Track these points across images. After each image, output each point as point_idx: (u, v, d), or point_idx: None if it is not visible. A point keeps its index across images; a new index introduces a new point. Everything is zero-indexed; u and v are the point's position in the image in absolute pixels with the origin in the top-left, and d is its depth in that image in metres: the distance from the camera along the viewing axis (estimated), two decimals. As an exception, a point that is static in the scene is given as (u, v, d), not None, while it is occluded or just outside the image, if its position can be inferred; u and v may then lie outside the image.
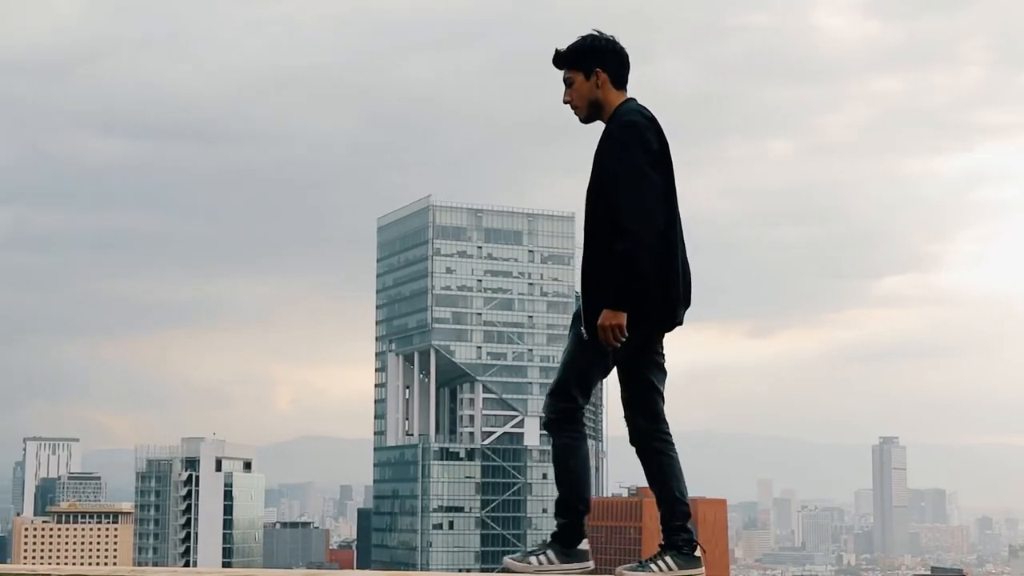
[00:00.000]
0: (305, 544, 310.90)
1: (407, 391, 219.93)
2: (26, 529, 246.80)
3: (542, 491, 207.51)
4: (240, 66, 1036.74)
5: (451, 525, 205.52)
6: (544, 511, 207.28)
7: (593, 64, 6.68)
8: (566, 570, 6.59)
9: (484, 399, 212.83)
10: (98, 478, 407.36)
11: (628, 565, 6.70)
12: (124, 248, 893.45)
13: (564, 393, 6.68)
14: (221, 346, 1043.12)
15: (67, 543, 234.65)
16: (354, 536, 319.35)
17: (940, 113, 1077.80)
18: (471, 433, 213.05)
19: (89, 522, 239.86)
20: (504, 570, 6.76)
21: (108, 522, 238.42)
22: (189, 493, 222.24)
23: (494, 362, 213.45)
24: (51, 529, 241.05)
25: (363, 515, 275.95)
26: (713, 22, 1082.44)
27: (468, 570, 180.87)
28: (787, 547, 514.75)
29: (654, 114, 6.71)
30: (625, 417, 6.85)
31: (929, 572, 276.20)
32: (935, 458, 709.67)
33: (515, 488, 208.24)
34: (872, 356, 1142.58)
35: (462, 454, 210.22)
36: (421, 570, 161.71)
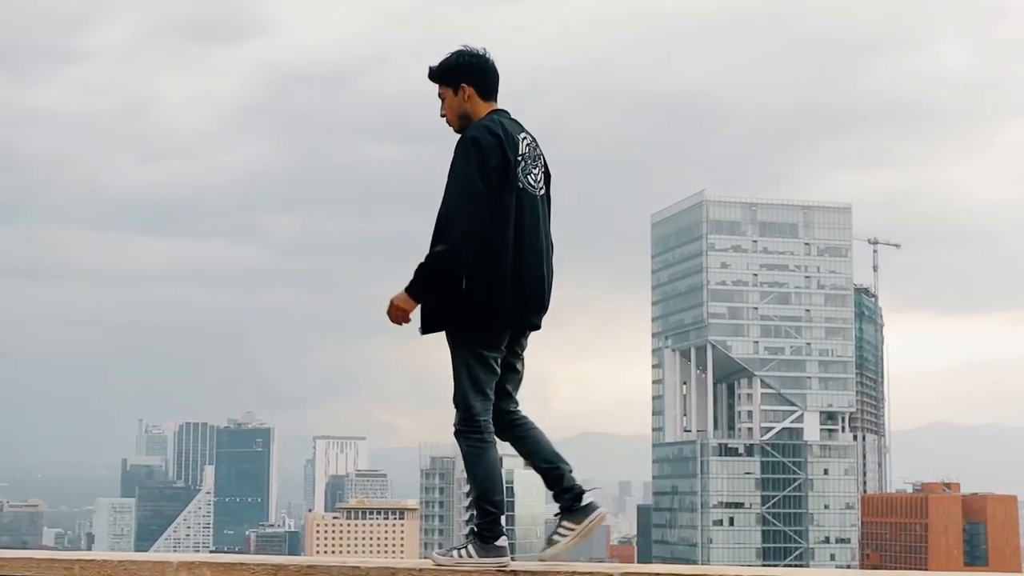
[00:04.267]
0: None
1: (684, 387, 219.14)
2: (317, 524, 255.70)
3: (823, 487, 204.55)
4: (510, 68, 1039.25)
5: (731, 521, 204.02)
6: (826, 507, 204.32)
7: (459, 79, 7.05)
8: (483, 565, 6.75)
9: (762, 394, 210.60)
10: (384, 475, 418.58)
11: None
12: (407, 251, 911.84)
13: (463, 405, 6.77)
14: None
15: (357, 538, 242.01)
16: (634, 532, 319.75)
17: None
18: (749, 428, 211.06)
19: (377, 518, 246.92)
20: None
21: (395, 518, 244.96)
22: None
23: (771, 356, 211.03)
24: (341, 524, 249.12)
25: (643, 511, 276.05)
26: (992, 3, 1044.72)
27: (750, 567, 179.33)
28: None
29: (511, 128, 6.94)
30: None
31: None
32: None
33: (796, 484, 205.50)
34: None
35: (741, 450, 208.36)
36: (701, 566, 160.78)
